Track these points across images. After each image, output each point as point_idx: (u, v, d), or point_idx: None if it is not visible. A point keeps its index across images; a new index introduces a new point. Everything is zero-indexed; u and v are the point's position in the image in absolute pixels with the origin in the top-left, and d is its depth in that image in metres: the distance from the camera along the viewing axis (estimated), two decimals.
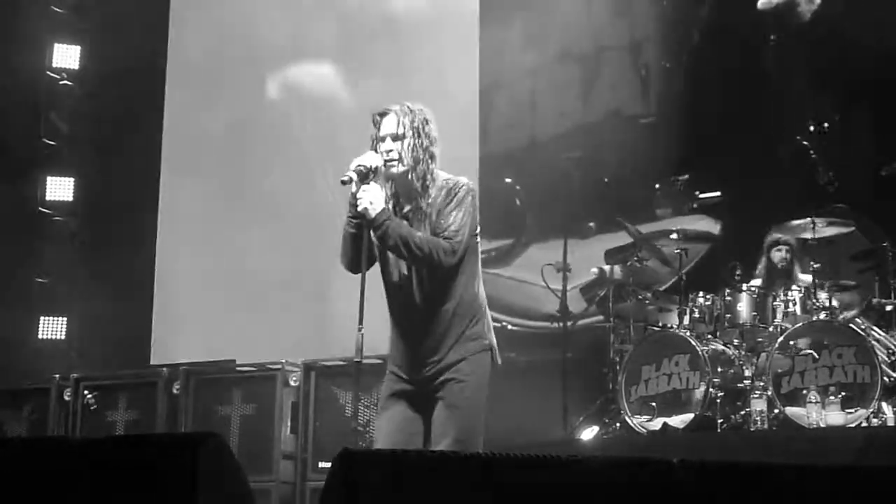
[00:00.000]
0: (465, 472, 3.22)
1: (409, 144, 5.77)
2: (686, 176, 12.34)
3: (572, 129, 12.72)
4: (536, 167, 12.68)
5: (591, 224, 12.49)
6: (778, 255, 10.37)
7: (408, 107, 5.86)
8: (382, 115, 5.88)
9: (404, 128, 5.78)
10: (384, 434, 5.84)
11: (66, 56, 13.33)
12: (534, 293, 12.27)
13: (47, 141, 13.19)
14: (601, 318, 11.73)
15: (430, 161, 5.81)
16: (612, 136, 12.36)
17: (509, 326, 12.41)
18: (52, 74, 13.27)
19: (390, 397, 5.89)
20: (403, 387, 5.87)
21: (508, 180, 12.82)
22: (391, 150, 5.76)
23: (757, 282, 10.26)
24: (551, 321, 12.09)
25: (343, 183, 5.71)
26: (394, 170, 5.77)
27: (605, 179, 12.48)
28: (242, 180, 12.80)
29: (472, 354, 5.80)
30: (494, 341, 5.94)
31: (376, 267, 5.94)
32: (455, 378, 5.75)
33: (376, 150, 5.81)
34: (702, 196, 9.62)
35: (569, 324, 11.69)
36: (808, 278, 9.87)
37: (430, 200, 5.78)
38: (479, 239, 5.96)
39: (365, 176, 5.70)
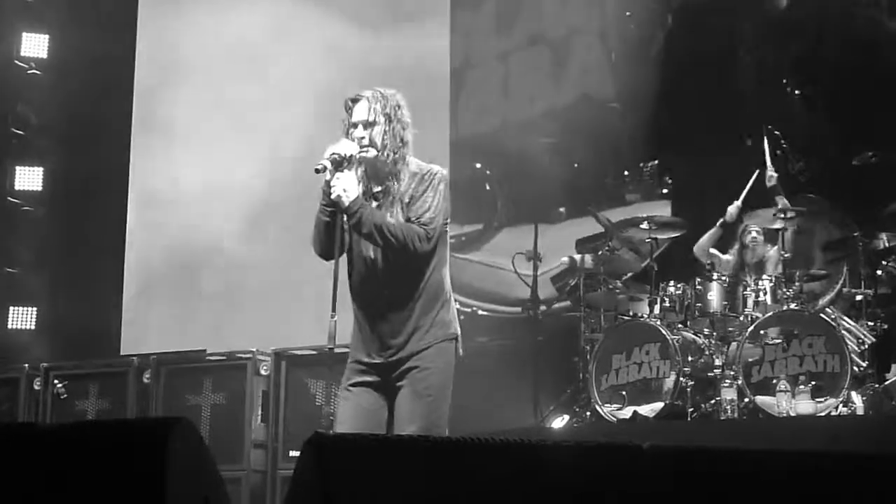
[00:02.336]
0: (437, 457, 3.21)
1: (381, 130, 5.77)
2: (655, 161, 12.37)
3: (543, 114, 12.73)
4: (507, 152, 12.68)
5: (562, 209, 12.51)
6: (749, 236, 10.39)
7: (380, 92, 5.85)
8: (354, 101, 5.87)
9: (376, 114, 5.78)
10: (346, 422, 5.81)
11: (35, 45, 13.25)
12: (504, 278, 12.28)
13: (16, 130, 13.12)
14: (569, 304, 11.73)
15: (402, 147, 5.80)
16: (583, 121, 12.36)
17: (480, 312, 12.44)
18: (20, 64, 13.20)
19: (352, 386, 5.86)
20: (365, 377, 5.85)
21: (478, 165, 12.82)
22: (363, 137, 5.76)
23: (728, 264, 10.30)
24: (522, 307, 12.10)
25: (317, 171, 5.69)
26: (367, 155, 5.76)
27: (576, 164, 12.49)
28: (213, 168, 12.76)
29: (437, 342, 5.79)
30: (459, 330, 5.94)
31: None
32: (419, 366, 5.73)
33: (349, 137, 5.80)
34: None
35: (540, 309, 11.70)
36: (777, 266, 9.89)
37: (401, 186, 5.78)
38: (448, 227, 5.96)
39: (339, 164, 5.69)
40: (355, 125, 5.81)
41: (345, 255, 5.89)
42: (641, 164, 12.39)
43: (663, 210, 11.89)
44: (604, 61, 12.84)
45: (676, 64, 12.27)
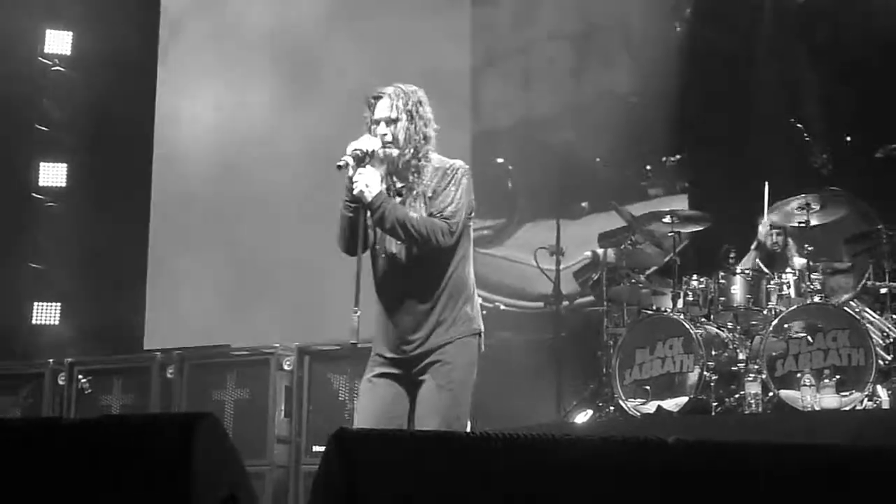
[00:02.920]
0: (461, 452, 3.21)
1: (403, 127, 5.77)
2: (678, 156, 12.34)
3: (564, 109, 12.70)
4: (528, 147, 12.66)
5: (584, 204, 12.49)
6: (771, 238, 10.38)
7: (401, 89, 5.86)
8: (376, 98, 5.88)
9: (398, 111, 5.78)
10: (366, 414, 5.82)
11: (59, 42, 13.29)
12: (526, 273, 12.27)
13: (40, 127, 13.16)
14: (591, 298, 11.72)
15: (424, 142, 5.81)
16: (605, 115, 12.33)
17: (502, 307, 12.42)
18: (44, 60, 13.24)
19: (373, 378, 5.87)
20: (386, 369, 5.85)
21: (500, 160, 12.79)
22: (385, 134, 5.76)
23: (750, 264, 10.26)
24: (544, 302, 12.09)
25: (339, 168, 5.70)
26: (391, 151, 5.77)
27: (598, 159, 12.47)
28: (236, 166, 12.78)
29: (460, 337, 5.79)
30: (482, 326, 5.94)
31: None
32: (441, 360, 5.73)
33: (371, 133, 5.81)
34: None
35: (562, 304, 11.69)
36: (802, 261, 9.87)
37: (425, 181, 5.78)
38: (472, 221, 5.96)
39: (361, 160, 5.70)
40: (377, 122, 5.82)
41: (368, 251, 5.90)
42: (664, 159, 12.37)
43: (685, 204, 11.88)
44: (624, 55, 12.81)
45: (697, 58, 12.24)
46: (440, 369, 5.72)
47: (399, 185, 5.85)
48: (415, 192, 5.78)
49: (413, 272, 5.79)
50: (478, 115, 12.83)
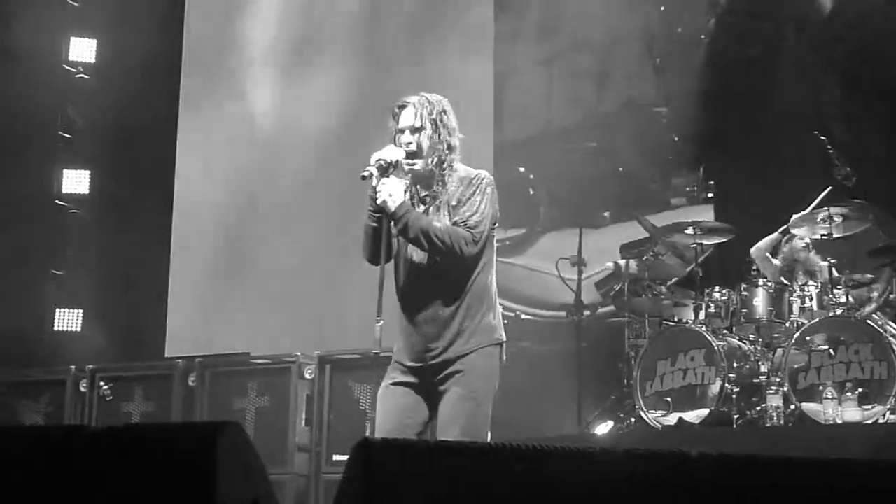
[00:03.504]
0: (484, 463, 3.21)
1: (428, 136, 5.78)
2: (701, 166, 12.32)
3: (587, 119, 12.70)
4: (551, 156, 12.66)
5: (606, 214, 12.47)
6: (795, 250, 10.35)
7: (426, 98, 5.86)
8: (401, 107, 5.89)
9: (423, 119, 5.79)
10: (383, 419, 5.81)
11: (82, 49, 13.35)
12: (548, 282, 12.26)
13: (63, 134, 13.21)
14: (613, 308, 11.70)
15: (448, 152, 5.81)
16: (627, 125, 12.33)
17: (523, 316, 12.41)
18: (68, 68, 13.30)
19: (390, 385, 5.87)
20: (405, 377, 5.85)
21: (522, 169, 12.78)
22: (410, 143, 5.77)
23: (775, 276, 10.24)
24: (566, 311, 12.07)
25: (364, 178, 5.71)
26: (416, 166, 5.77)
27: (620, 169, 12.45)
28: (258, 171, 12.81)
29: (481, 347, 5.78)
30: (504, 336, 5.93)
31: None
32: (463, 370, 5.72)
33: (396, 142, 5.82)
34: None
35: (584, 314, 11.68)
36: (824, 264, 9.82)
37: (449, 190, 5.78)
38: (495, 231, 5.96)
39: (385, 170, 5.71)
40: (402, 131, 5.82)
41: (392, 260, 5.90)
42: (686, 169, 12.35)
43: (707, 214, 11.86)
44: (647, 66, 12.80)
45: (720, 68, 12.23)
46: (462, 379, 5.71)
47: (423, 194, 5.86)
48: (439, 202, 5.78)
49: (436, 281, 5.79)
50: (500, 125, 12.83)
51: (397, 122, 5.86)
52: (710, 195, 12.30)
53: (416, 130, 5.79)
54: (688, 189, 12.44)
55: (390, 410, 5.81)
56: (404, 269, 5.90)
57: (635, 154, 12.27)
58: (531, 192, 12.95)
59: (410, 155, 5.77)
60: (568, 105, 12.93)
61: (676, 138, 12.30)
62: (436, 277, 5.79)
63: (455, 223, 5.70)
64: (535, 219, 13.00)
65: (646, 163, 12.37)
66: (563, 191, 12.53)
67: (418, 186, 5.88)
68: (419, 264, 5.82)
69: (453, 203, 5.76)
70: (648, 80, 12.79)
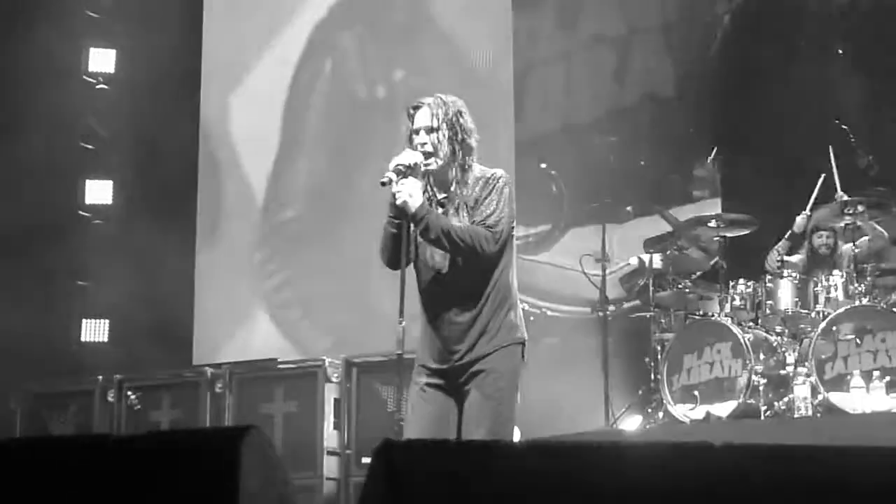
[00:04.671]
0: (508, 461, 3.21)
1: (442, 136, 5.78)
2: (720, 157, 12.27)
3: (607, 113, 12.67)
4: (572, 152, 12.63)
5: (629, 208, 12.44)
6: (819, 240, 10.32)
7: (441, 99, 5.86)
8: (416, 108, 5.90)
9: (437, 120, 5.79)
10: (414, 428, 5.81)
11: (102, 60, 13.39)
12: (573, 279, 12.21)
13: (85, 145, 13.25)
14: (638, 302, 11.68)
15: (465, 152, 5.81)
16: (648, 118, 12.30)
17: (549, 312, 12.39)
18: (88, 79, 13.33)
19: (420, 392, 5.87)
20: (432, 380, 5.85)
21: (544, 166, 12.75)
22: (425, 143, 5.77)
23: (798, 266, 10.21)
24: (591, 308, 12.05)
25: (383, 184, 5.72)
26: (431, 166, 5.78)
27: (642, 162, 12.42)
28: (280, 177, 12.82)
29: (503, 346, 5.78)
30: (526, 335, 5.93)
31: None
32: (486, 370, 5.72)
33: (411, 143, 5.83)
34: None
35: (609, 309, 11.66)
36: (849, 252, 9.78)
37: (466, 191, 5.78)
38: (514, 230, 5.96)
39: (404, 175, 5.72)
40: (417, 131, 5.83)
41: (412, 263, 5.91)
42: (708, 161, 12.31)
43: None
44: (667, 59, 12.77)
45: (740, 59, 12.20)
46: (486, 379, 5.71)
47: (440, 196, 5.86)
48: (457, 203, 5.78)
49: (457, 284, 5.78)
50: (521, 121, 12.80)
51: (412, 123, 5.87)
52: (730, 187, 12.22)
53: (431, 131, 5.79)
54: (708, 181, 12.39)
55: (422, 419, 5.80)
56: (425, 272, 5.90)
57: (656, 148, 12.23)
58: (553, 189, 12.92)
59: (425, 155, 5.78)
60: (588, 99, 12.89)
61: (692, 130, 12.26)
62: (457, 280, 5.79)
63: (474, 223, 5.70)
64: (559, 215, 12.97)
65: (667, 156, 12.34)
66: (585, 186, 12.50)
67: (435, 189, 5.88)
68: (440, 267, 5.82)
69: (471, 204, 5.76)
70: (668, 72, 12.75)
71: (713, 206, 11.59)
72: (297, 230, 12.61)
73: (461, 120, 5.83)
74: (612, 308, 11.87)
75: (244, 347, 11.95)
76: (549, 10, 12.96)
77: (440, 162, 5.78)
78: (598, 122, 12.71)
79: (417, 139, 5.81)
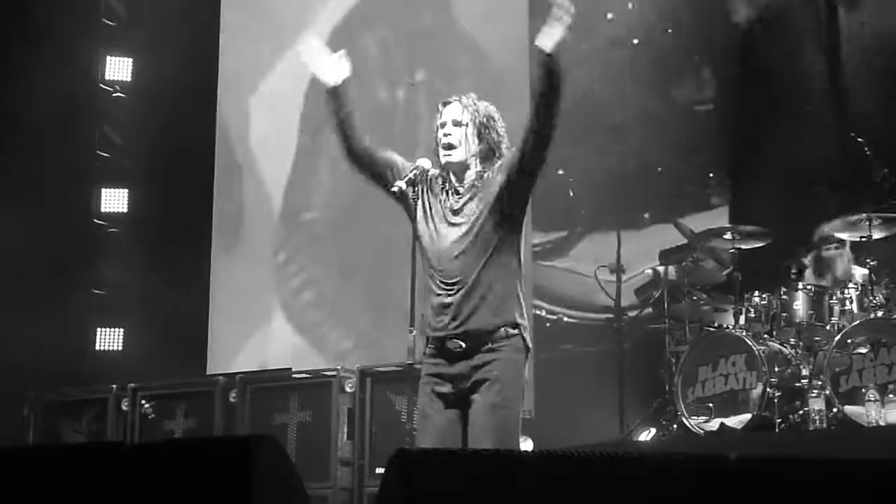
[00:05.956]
0: (521, 471, 3.20)
1: (469, 132, 5.82)
2: (738, 165, 12.24)
3: (625, 119, 12.62)
4: (589, 158, 12.58)
5: (646, 215, 12.41)
6: (829, 252, 10.29)
7: (473, 98, 5.92)
8: (446, 104, 5.97)
9: (466, 116, 5.84)
10: (426, 437, 5.81)
11: (119, 69, 13.41)
12: (589, 285, 12.14)
13: (101, 153, 13.27)
14: (651, 311, 11.67)
15: (491, 153, 5.87)
16: (666, 124, 12.27)
17: (565, 318, 12.37)
18: (104, 87, 13.36)
19: (428, 400, 5.87)
20: (439, 388, 5.84)
21: (561, 172, 12.69)
22: (449, 135, 5.81)
23: (808, 280, 10.20)
24: (608, 315, 12.01)
25: (394, 193, 5.75)
26: (451, 158, 5.81)
27: (659, 169, 12.36)
28: (298, 182, 12.83)
29: (506, 355, 5.76)
30: (531, 343, 5.92)
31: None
32: (490, 378, 5.71)
33: (435, 139, 5.86)
34: None
35: (626, 315, 11.64)
36: (863, 272, 9.77)
37: (488, 190, 5.81)
38: (523, 237, 5.97)
39: (414, 182, 5.75)
40: (444, 124, 5.87)
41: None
42: (725, 168, 12.28)
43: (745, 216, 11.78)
44: (687, 64, 12.73)
45: (758, 67, 12.18)
46: (490, 388, 5.70)
47: (458, 185, 5.87)
48: (476, 199, 5.80)
49: (464, 287, 5.77)
50: None
51: (440, 116, 5.91)
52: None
53: (457, 124, 5.84)
54: (725, 189, 12.37)
55: (431, 435, 5.80)
56: (435, 271, 5.87)
57: (674, 154, 12.20)
58: (571, 194, 12.90)
59: (447, 147, 5.81)
60: (606, 105, 12.83)
61: (715, 137, 12.24)
62: (466, 282, 5.78)
63: (514, 152, 5.84)
64: (576, 221, 12.95)
65: (685, 162, 12.30)
66: (601, 192, 12.47)
67: (453, 178, 5.89)
68: (450, 268, 5.81)
69: (490, 200, 5.77)
70: (688, 77, 12.72)
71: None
72: (316, 234, 12.61)
73: (491, 123, 5.88)
74: (630, 314, 11.86)
75: (259, 355, 11.95)
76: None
77: (461, 156, 5.81)
78: (616, 127, 12.64)
79: (442, 131, 5.85)
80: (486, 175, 5.85)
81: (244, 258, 12.93)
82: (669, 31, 12.70)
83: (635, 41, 12.79)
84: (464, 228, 5.80)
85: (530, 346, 5.89)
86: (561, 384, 7.45)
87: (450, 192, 5.86)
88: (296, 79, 13.02)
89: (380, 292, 11.56)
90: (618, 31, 12.78)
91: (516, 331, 5.81)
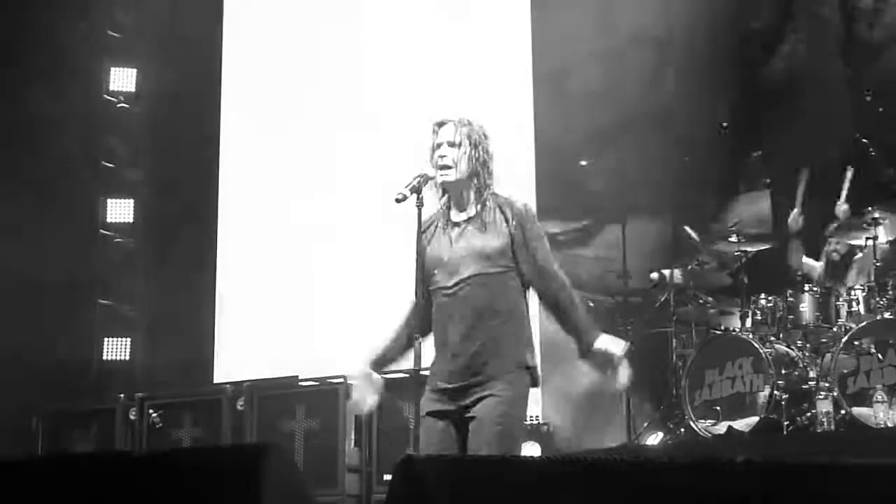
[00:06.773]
0: (528, 476, 3.20)
1: (465, 153, 5.80)
2: (759, 152, 12.20)
3: (645, 112, 12.55)
4: (608, 149, 12.54)
5: (660, 214, 12.36)
6: (829, 246, 10.29)
7: (466, 119, 5.90)
8: (440, 124, 5.92)
9: (461, 136, 5.82)
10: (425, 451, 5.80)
11: (123, 79, 13.45)
12: (612, 268, 12.04)
13: (106, 163, 13.30)
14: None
15: (485, 174, 5.84)
16: (688, 115, 12.23)
17: (590, 303, 12.32)
18: (109, 98, 13.39)
19: (428, 415, 5.84)
20: (440, 405, 5.82)
21: (583, 163, 12.61)
22: (445, 156, 5.79)
23: (816, 270, 10.20)
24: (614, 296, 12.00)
25: (398, 201, 5.75)
26: (448, 178, 5.80)
27: (686, 159, 12.23)
28: (299, 198, 12.83)
29: (509, 372, 5.73)
30: (537, 361, 5.90)
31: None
32: (492, 394, 5.66)
33: (431, 160, 5.84)
34: None
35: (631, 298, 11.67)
36: (866, 274, 9.77)
37: (484, 213, 5.79)
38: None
39: (418, 189, 5.74)
40: (440, 145, 5.85)
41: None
42: (750, 155, 12.24)
43: (766, 203, 11.74)
44: (704, 59, 12.67)
45: (774, 70, 12.21)
46: (490, 402, 5.63)
47: (460, 216, 5.86)
48: (474, 223, 5.80)
49: (473, 306, 5.75)
50: (556, 121, 12.70)
51: (436, 137, 5.89)
52: (768, 180, 12.10)
53: (453, 145, 5.81)
54: (748, 176, 12.32)
55: (434, 443, 5.79)
56: (441, 289, 5.87)
57: (698, 144, 12.13)
58: (593, 186, 12.83)
59: (444, 168, 5.79)
60: (628, 97, 12.76)
61: (725, 124, 12.19)
62: (475, 300, 5.77)
63: (537, 263, 5.76)
64: (598, 211, 12.88)
65: (709, 152, 12.19)
66: (620, 182, 12.40)
67: (452, 209, 5.89)
68: (458, 287, 5.80)
69: (518, 235, 5.77)
70: (707, 71, 12.65)
71: (752, 201, 11.60)
72: (321, 241, 12.59)
73: (484, 143, 5.87)
74: (635, 298, 11.87)
75: (266, 364, 11.94)
76: (585, 9, 12.81)
77: (457, 175, 5.80)
78: (635, 121, 12.56)
79: (438, 152, 5.83)
80: (485, 203, 5.83)
81: (250, 266, 12.93)
82: (687, 28, 12.64)
83: (653, 38, 12.73)
84: (463, 252, 5.82)
85: (535, 363, 5.88)
86: (568, 389, 7.44)
87: (448, 225, 5.87)
88: (300, 89, 13.05)
89: (386, 300, 11.55)
90: (634, 29, 12.70)
91: (526, 372, 5.82)
